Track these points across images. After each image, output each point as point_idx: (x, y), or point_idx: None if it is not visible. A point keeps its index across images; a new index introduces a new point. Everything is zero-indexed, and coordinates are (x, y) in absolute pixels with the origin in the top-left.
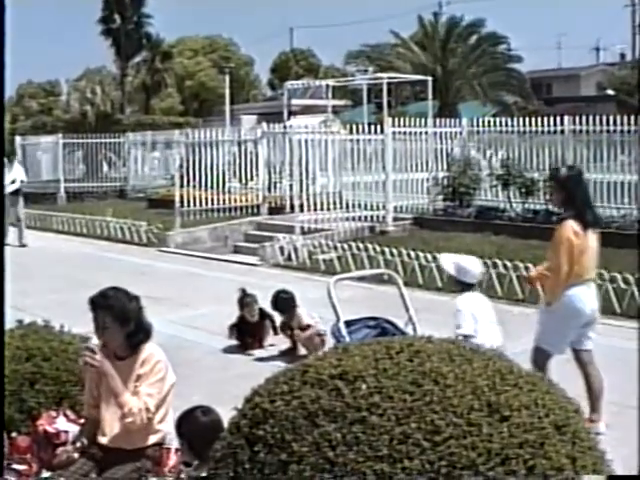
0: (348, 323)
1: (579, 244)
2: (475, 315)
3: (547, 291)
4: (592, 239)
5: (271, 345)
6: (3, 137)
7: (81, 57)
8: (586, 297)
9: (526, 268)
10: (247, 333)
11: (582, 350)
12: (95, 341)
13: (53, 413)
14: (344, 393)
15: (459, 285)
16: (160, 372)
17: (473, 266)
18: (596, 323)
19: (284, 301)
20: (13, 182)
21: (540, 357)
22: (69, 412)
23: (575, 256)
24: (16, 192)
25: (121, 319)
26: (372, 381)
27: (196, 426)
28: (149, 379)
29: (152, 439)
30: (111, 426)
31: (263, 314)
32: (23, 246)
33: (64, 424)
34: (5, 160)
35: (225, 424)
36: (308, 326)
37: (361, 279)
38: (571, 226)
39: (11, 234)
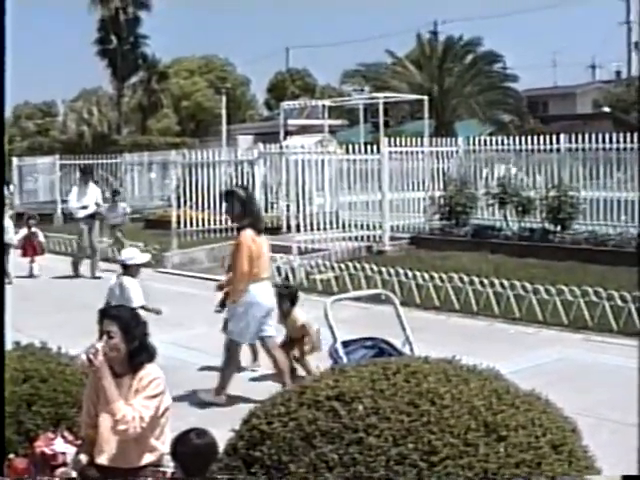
0: (345, 343)
1: (256, 249)
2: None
3: (232, 290)
4: (265, 245)
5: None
6: (3, 142)
7: (77, 78)
8: (264, 293)
9: (523, 287)
10: None
11: (266, 337)
12: (99, 345)
13: (51, 435)
14: (341, 414)
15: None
16: (157, 388)
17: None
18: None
19: (284, 294)
20: (85, 207)
21: (232, 346)
22: (67, 434)
23: (253, 259)
24: (92, 217)
25: (126, 332)
26: (369, 402)
27: (191, 448)
28: (145, 392)
29: (148, 457)
30: (108, 444)
31: None
32: (97, 278)
33: (62, 446)
34: (75, 179)
35: (221, 445)
36: (302, 326)
37: (358, 299)
38: (250, 234)
39: (83, 264)
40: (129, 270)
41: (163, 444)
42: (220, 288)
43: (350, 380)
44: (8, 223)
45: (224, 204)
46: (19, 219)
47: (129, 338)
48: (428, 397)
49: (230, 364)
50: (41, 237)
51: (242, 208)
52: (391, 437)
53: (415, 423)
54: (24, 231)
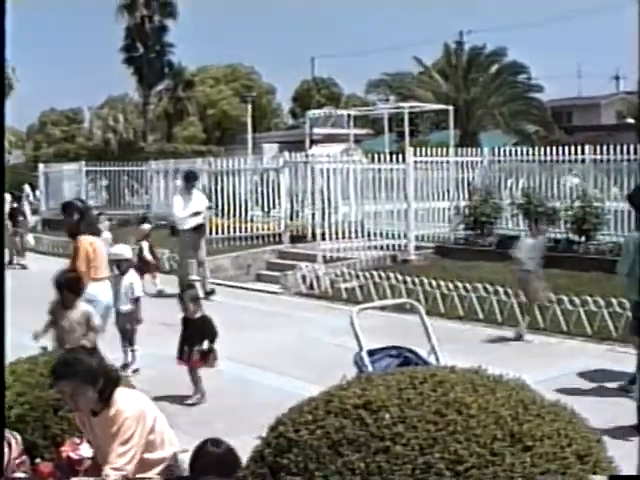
0: (370, 352)
1: (92, 252)
2: None
3: None
4: (101, 247)
5: None
6: (3, 140)
7: (103, 85)
8: (102, 290)
9: (547, 297)
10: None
11: None
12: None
13: (77, 440)
14: (368, 423)
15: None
16: (129, 429)
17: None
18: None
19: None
20: (197, 214)
21: None
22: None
23: (91, 261)
24: (198, 228)
25: (90, 381)
26: (396, 411)
27: (210, 459)
28: (118, 439)
29: (152, 472)
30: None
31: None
32: (209, 293)
33: (87, 451)
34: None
35: (246, 452)
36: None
37: (383, 308)
38: (87, 239)
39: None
40: (120, 265)
41: (163, 451)
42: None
43: (377, 389)
44: (106, 235)
45: (63, 215)
46: (46, 225)
47: (94, 383)
48: (455, 406)
49: None
50: (145, 250)
51: (76, 218)
52: (417, 446)
53: (441, 432)
54: (145, 245)
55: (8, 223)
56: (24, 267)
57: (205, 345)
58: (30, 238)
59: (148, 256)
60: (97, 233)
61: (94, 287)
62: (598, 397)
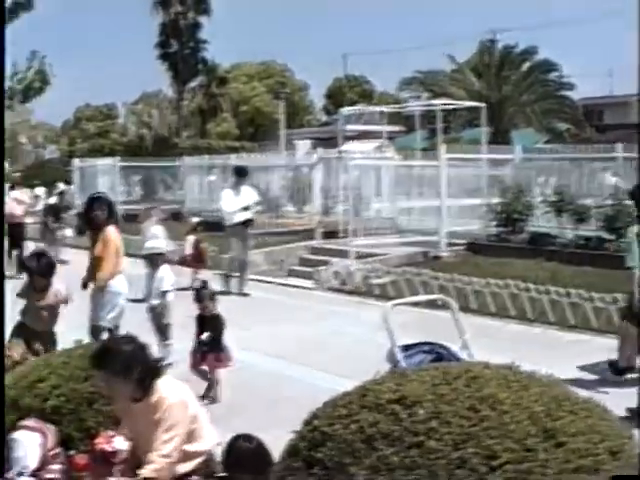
0: (403, 348)
1: (120, 244)
2: None
3: (98, 278)
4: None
5: None
6: (3, 139)
7: (138, 81)
8: (123, 283)
9: (578, 295)
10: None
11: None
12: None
13: (111, 432)
14: (402, 417)
15: None
16: (173, 416)
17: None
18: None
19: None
20: (246, 209)
21: (97, 332)
22: (127, 431)
23: (119, 252)
24: (244, 224)
25: (123, 372)
26: (430, 406)
27: (242, 454)
28: (163, 426)
29: (190, 465)
30: (146, 461)
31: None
32: (244, 295)
33: (122, 443)
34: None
35: (278, 447)
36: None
37: (415, 304)
38: (116, 233)
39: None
40: (154, 259)
41: (202, 444)
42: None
43: (411, 384)
44: (156, 230)
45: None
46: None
47: (127, 374)
48: (488, 402)
49: None
50: (201, 245)
51: (107, 211)
52: (451, 441)
53: (475, 428)
54: (191, 239)
55: (50, 218)
56: (64, 262)
57: (205, 337)
58: (68, 232)
59: (187, 250)
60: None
61: (119, 280)
62: (631, 394)
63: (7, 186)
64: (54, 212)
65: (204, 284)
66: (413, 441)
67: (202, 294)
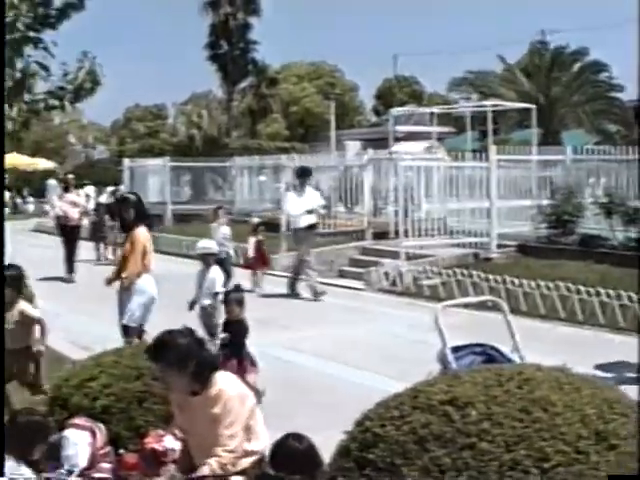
0: (454, 349)
1: (148, 245)
2: None
3: (123, 278)
4: (151, 241)
5: None
6: (3, 138)
7: (187, 82)
8: (151, 282)
9: (628, 297)
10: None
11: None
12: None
13: (161, 431)
14: (454, 419)
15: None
16: (233, 409)
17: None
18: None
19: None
20: (311, 212)
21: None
22: (177, 431)
23: (146, 253)
24: (311, 227)
25: (178, 365)
26: (482, 408)
27: (291, 454)
28: (224, 421)
29: (245, 462)
30: (199, 457)
31: None
32: (320, 294)
33: (171, 442)
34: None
35: (328, 447)
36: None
37: (466, 305)
38: (144, 233)
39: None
40: (206, 259)
41: (258, 443)
42: (109, 282)
43: (464, 385)
44: (225, 230)
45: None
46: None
47: (182, 367)
48: (540, 404)
49: None
50: (264, 245)
51: (134, 211)
52: (503, 443)
53: (527, 430)
54: (252, 240)
55: (104, 217)
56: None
57: (222, 337)
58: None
59: (250, 252)
60: (151, 226)
61: (145, 279)
62: None
63: (60, 188)
64: (110, 211)
65: (236, 287)
66: (465, 442)
67: (229, 297)
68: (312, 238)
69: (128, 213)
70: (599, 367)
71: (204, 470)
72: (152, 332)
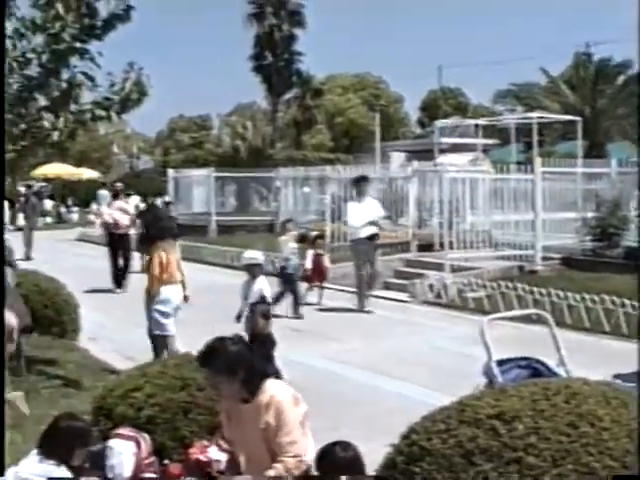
0: (500, 362)
1: (166, 257)
2: None
3: (147, 290)
4: (173, 252)
5: None
6: (3, 140)
7: (232, 93)
8: (174, 292)
9: None
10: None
11: (170, 335)
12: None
13: (205, 442)
14: (501, 433)
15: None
16: (287, 416)
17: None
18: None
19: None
20: (373, 223)
21: (166, 344)
22: (221, 442)
23: (164, 265)
24: (371, 238)
25: (228, 371)
26: (529, 422)
27: (336, 462)
28: (283, 428)
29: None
30: (248, 467)
31: None
32: (366, 312)
33: (216, 453)
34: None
35: (372, 459)
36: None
37: (511, 318)
38: (161, 245)
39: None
40: (252, 270)
41: (310, 451)
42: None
43: (511, 399)
44: (294, 244)
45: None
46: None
47: (233, 374)
48: (588, 419)
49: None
50: (326, 260)
51: (147, 227)
52: (550, 457)
53: (574, 444)
54: (310, 252)
55: None
56: None
57: None
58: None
59: (308, 265)
60: (172, 239)
61: (167, 290)
62: None
63: (109, 195)
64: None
65: (262, 299)
66: (512, 457)
67: (254, 310)
68: (373, 250)
69: (144, 228)
70: (618, 376)
71: (269, 473)
72: (195, 343)
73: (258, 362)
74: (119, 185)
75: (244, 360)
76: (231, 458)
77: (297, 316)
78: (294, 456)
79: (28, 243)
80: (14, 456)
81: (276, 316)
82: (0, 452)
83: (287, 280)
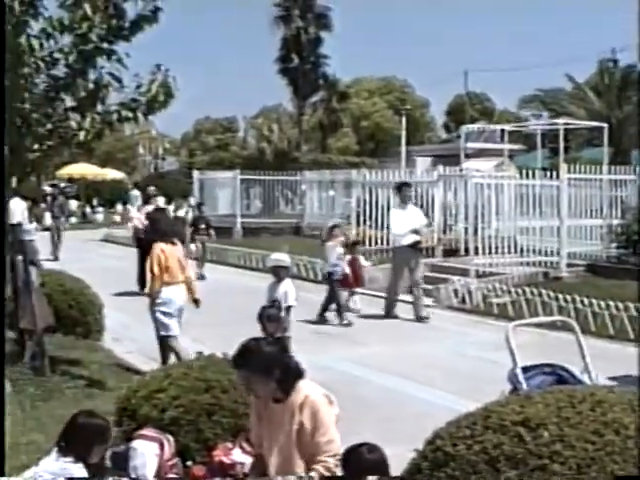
0: (524, 369)
1: (165, 258)
2: None
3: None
4: (174, 253)
5: None
6: (3, 139)
7: (258, 95)
8: (175, 293)
9: None
10: None
11: (172, 335)
12: None
13: (229, 444)
14: (526, 440)
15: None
16: (323, 416)
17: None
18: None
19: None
20: (416, 232)
21: (169, 344)
22: (245, 444)
23: (162, 266)
24: (414, 246)
25: (264, 372)
26: (554, 429)
27: (362, 463)
28: (320, 429)
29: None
30: (277, 467)
31: None
32: (422, 320)
33: (240, 456)
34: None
35: (395, 463)
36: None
37: (536, 325)
38: (159, 247)
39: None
40: (278, 272)
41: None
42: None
43: (536, 406)
44: (340, 250)
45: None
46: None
47: (269, 374)
48: (613, 427)
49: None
50: (363, 262)
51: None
52: (575, 465)
53: (599, 452)
54: (347, 257)
55: (190, 231)
56: (202, 277)
57: None
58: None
59: (346, 269)
60: (172, 240)
61: (168, 290)
62: None
63: (141, 199)
64: (195, 225)
65: (272, 303)
66: (537, 464)
67: (261, 314)
68: (415, 258)
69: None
70: (613, 379)
71: (312, 475)
72: (221, 344)
73: (292, 362)
74: (152, 189)
75: (279, 360)
76: (256, 459)
77: (344, 323)
78: (334, 455)
79: (56, 243)
80: (34, 456)
81: (325, 322)
82: (0, 452)
83: (334, 287)
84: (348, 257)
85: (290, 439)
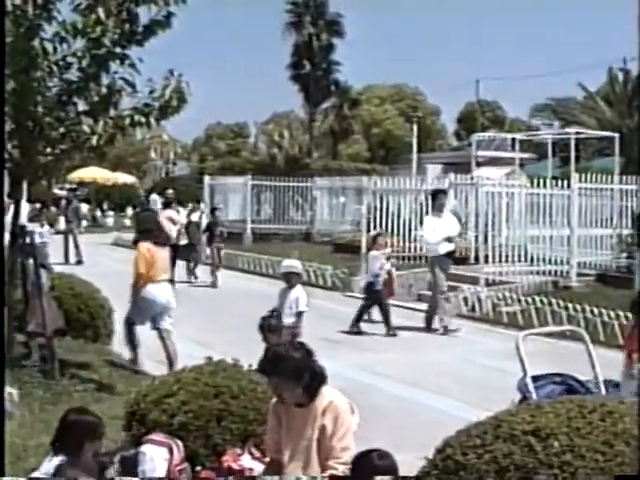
0: (534, 378)
1: (150, 257)
2: None
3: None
4: (161, 253)
5: None
6: (3, 138)
7: (269, 101)
8: (159, 291)
9: None
10: None
11: (163, 329)
12: None
13: (238, 450)
14: (536, 449)
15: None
16: (344, 422)
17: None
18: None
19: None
20: (450, 240)
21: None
22: (254, 450)
23: (147, 265)
24: (448, 255)
25: (294, 377)
26: (564, 439)
27: (371, 469)
28: (338, 433)
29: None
30: (295, 472)
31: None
32: (447, 332)
33: (249, 462)
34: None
35: (404, 470)
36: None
37: (546, 334)
38: (144, 247)
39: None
40: (290, 278)
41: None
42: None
43: (546, 416)
44: (384, 261)
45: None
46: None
47: (298, 379)
48: (623, 437)
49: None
50: (394, 274)
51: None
52: (585, 475)
53: (609, 463)
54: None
55: (205, 236)
56: (214, 285)
57: None
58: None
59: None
60: (158, 241)
61: (152, 288)
62: None
63: (161, 203)
64: (210, 230)
65: (272, 313)
66: (547, 474)
67: (262, 324)
68: (446, 266)
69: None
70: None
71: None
72: (232, 349)
73: (318, 367)
74: (170, 193)
75: (308, 365)
76: (269, 464)
77: (392, 333)
78: (344, 463)
79: (75, 246)
80: (42, 458)
81: (360, 333)
82: (0, 452)
83: (375, 298)
84: (387, 267)
85: (311, 444)
